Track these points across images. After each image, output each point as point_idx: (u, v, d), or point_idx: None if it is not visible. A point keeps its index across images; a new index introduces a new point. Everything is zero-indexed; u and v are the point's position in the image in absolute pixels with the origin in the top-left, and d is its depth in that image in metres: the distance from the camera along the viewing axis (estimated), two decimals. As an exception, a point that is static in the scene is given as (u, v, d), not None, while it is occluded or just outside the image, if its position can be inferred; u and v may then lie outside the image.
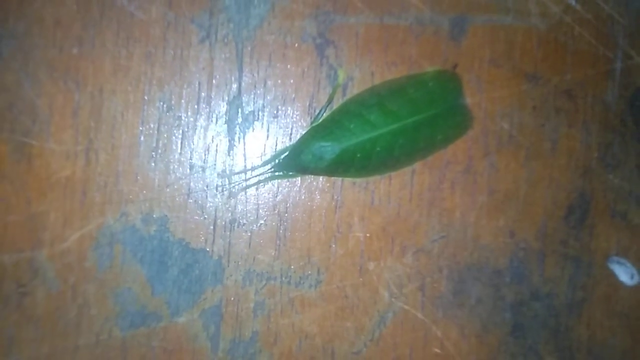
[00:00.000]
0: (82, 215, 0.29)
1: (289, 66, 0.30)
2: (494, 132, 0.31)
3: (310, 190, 0.30)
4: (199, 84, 0.30)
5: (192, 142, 0.30)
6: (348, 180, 0.30)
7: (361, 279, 0.30)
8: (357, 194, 0.30)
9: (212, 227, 0.30)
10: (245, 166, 0.30)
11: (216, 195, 0.30)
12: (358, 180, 0.30)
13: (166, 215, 0.29)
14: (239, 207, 0.30)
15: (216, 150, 0.30)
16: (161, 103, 0.29)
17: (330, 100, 0.29)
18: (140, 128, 0.29)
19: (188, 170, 0.30)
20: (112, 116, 0.29)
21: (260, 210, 0.30)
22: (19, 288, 0.29)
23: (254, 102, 0.30)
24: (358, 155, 0.28)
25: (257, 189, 0.30)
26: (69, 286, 0.29)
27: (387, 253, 0.30)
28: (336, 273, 0.30)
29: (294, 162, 0.28)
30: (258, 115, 0.30)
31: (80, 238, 0.29)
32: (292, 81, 0.30)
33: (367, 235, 0.30)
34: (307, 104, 0.30)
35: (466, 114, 0.30)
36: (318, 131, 0.28)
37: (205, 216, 0.30)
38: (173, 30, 0.30)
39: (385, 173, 0.30)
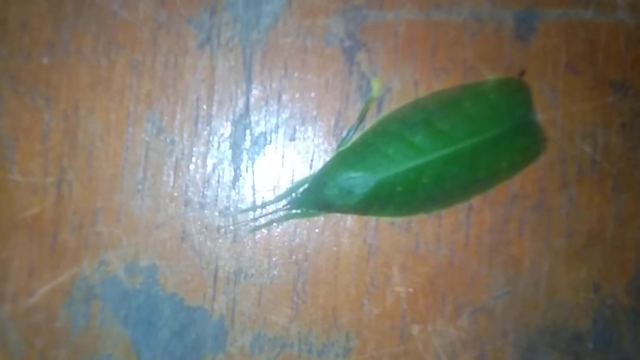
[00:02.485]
0: (52, 264, 0.26)
1: (309, 76, 0.26)
2: (572, 157, 0.27)
3: (337, 232, 0.26)
4: (197, 99, 0.26)
5: (188, 172, 0.26)
6: (385, 219, 0.26)
7: (403, 347, 0.26)
8: (396, 238, 0.26)
9: (212, 279, 0.26)
10: (254, 202, 0.26)
11: (218, 238, 0.26)
12: (398, 219, 0.26)
13: (155, 264, 0.26)
14: (246, 254, 0.26)
15: (218, 182, 0.26)
16: (150, 124, 0.26)
17: (361, 118, 0.26)
18: (124, 155, 0.26)
19: (183, 208, 0.26)
20: (90, 140, 0.26)
21: (273, 258, 0.26)
22: (-27, 354, 0.26)
23: (265, 121, 0.26)
24: (399, 189, 0.24)
25: (269, 230, 0.26)
26: (35, 351, 0.26)
27: (436, 313, 0.26)
28: (370, 339, 0.26)
29: (315, 197, 0.25)
30: (270, 137, 0.26)
31: (50, 292, 0.26)
32: (313, 95, 0.26)
33: (410, 290, 0.26)
34: (333, 123, 0.26)
35: (538, 134, 0.26)
36: (347, 158, 0.24)
37: (204, 265, 0.26)
38: (165, 33, 0.26)
39: (434, 211, 0.26)
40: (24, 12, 0.25)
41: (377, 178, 0.23)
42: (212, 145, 0.25)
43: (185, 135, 0.25)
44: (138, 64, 0.25)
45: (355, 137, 0.25)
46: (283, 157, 0.26)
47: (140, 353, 0.25)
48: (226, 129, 0.26)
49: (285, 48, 0.26)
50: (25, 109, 0.25)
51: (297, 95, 0.26)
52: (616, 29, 0.27)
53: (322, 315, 0.26)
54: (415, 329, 0.26)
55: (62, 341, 0.25)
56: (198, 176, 0.25)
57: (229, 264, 0.25)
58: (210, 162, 0.26)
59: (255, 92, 0.26)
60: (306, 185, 0.25)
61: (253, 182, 0.26)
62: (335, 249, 0.26)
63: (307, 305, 0.25)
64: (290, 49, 0.26)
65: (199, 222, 0.25)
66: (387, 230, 0.26)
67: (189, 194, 0.25)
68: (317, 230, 0.26)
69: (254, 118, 0.26)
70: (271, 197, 0.26)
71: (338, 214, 0.26)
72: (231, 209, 0.25)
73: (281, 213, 0.25)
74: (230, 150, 0.26)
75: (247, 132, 0.26)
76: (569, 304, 0.26)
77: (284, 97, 0.26)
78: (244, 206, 0.26)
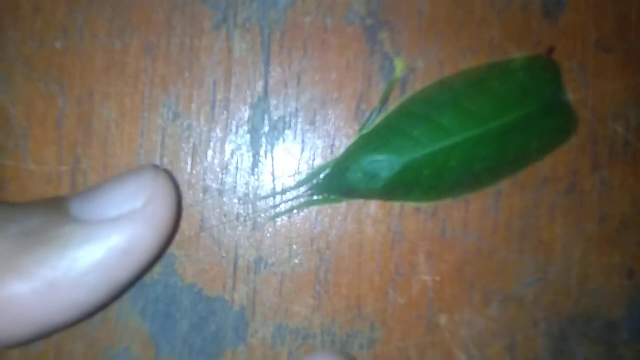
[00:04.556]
0: (67, 255, 0.24)
1: (330, 56, 0.25)
2: (605, 139, 0.25)
3: (360, 219, 0.25)
4: (214, 83, 0.25)
5: (206, 158, 0.25)
6: (410, 205, 0.25)
7: (429, 337, 0.25)
8: (422, 224, 0.25)
9: (232, 269, 0.24)
10: (274, 189, 0.25)
11: (237, 227, 0.24)
12: (424, 205, 0.25)
13: (173, 254, 0.24)
14: (267, 243, 0.25)
15: (237, 169, 0.25)
16: (166, 109, 0.25)
17: (385, 100, 0.24)
18: (140, 141, 0.25)
19: (201, 195, 0.24)
20: (105, 127, 0.25)
21: (295, 246, 0.25)
22: (-12, 349, 0.25)
23: (284, 105, 0.25)
24: (425, 172, 0.23)
25: (289, 218, 0.25)
26: (51, 346, 0.24)
27: (464, 302, 0.25)
28: (396, 329, 0.25)
29: (338, 182, 0.23)
30: (290, 122, 0.25)
31: (66, 283, 0.24)
32: (334, 76, 0.25)
33: (437, 278, 0.25)
34: (355, 105, 0.25)
35: (569, 114, 0.25)
36: (370, 141, 0.23)
37: (224, 254, 0.24)
38: (180, 15, 0.25)
39: (462, 195, 0.25)
40: (36, -5, 0.25)
41: (402, 161, 0.22)
42: (231, 131, 0.24)
43: (202, 121, 0.24)
44: (153, 47, 0.24)
45: (379, 119, 0.24)
46: (303, 141, 0.25)
47: (159, 346, 0.24)
48: (244, 114, 0.24)
49: (305, 28, 0.24)
50: (39, 95, 0.24)
51: (317, 77, 0.24)
52: (648, 4, 0.25)
53: (345, 305, 0.24)
54: (443, 319, 0.25)
55: (78, 335, 0.24)
56: (216, 162, 0.24)
57: (249, 253, 0.24)
58: (228, 148, 0.24)
59: (274, 75, 0.24)
60: (328, 170, 0.24)
61: (273, 168, 0.25)
62: (358, 236, 0.24)
63: (330, 294, 0.24)
64: (310, 29, 0.24)
65: (217, 210, 0.24)
66: (413, 216, 0.24)
67: (207, 181, 0.24)
68: (339, 218, 0.24)
69: (273, 102, 0.24)
70: (292, 183, 0.24)
71: (361, 200, 0.24)
72: (251, 196, 0.24)
73: (302, 199, 0.24)
74: (248, 135, 0.24)
75: (266, 116, 0.24)
76: (602, 291, 0.25)
77: (304, 79, 0.24)
78: (263, 193, 0.24)
